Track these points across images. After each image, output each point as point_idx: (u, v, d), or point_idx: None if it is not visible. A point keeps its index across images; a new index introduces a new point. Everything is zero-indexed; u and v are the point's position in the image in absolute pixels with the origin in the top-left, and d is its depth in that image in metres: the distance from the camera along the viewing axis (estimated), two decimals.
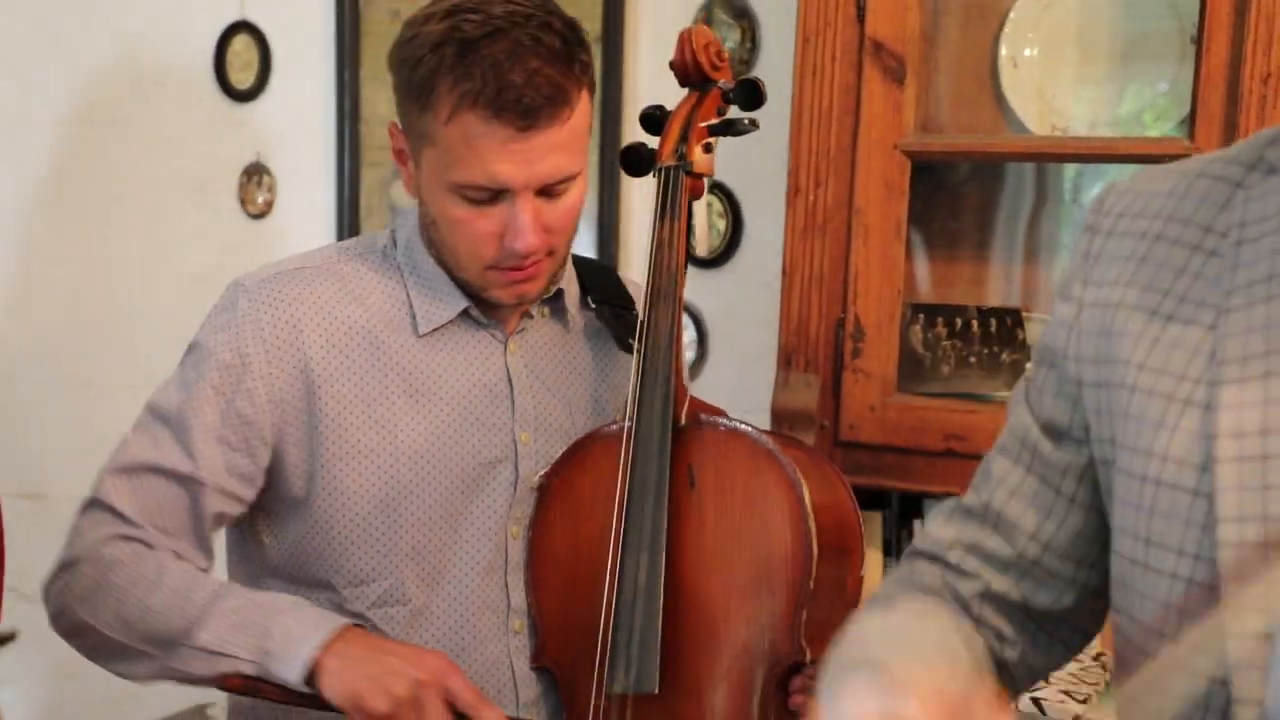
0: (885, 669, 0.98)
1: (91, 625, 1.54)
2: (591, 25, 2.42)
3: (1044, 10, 2.09)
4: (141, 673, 1.58)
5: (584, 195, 1.62)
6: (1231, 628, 0.94)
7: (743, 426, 1.57)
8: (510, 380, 1.67)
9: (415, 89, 1.53)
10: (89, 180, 2.77)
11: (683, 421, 1.57)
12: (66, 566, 1.57)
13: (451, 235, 1.58)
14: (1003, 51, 2.12)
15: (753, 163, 2.33)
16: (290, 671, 1.45)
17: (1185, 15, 1.97)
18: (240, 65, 2.67)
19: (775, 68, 2.27)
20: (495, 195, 1.53)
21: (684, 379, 1.62)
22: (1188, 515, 0.97)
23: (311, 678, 1.44)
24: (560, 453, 1.64)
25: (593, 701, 1.55)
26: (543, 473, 1.64)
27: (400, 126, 1.60)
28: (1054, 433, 1.12)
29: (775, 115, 2.12)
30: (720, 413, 1.61)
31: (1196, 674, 0.97)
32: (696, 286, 2.43)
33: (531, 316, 1.69)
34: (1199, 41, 1.85)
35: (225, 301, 1.64)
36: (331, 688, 1.44)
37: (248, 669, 1.47)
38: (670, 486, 1.53)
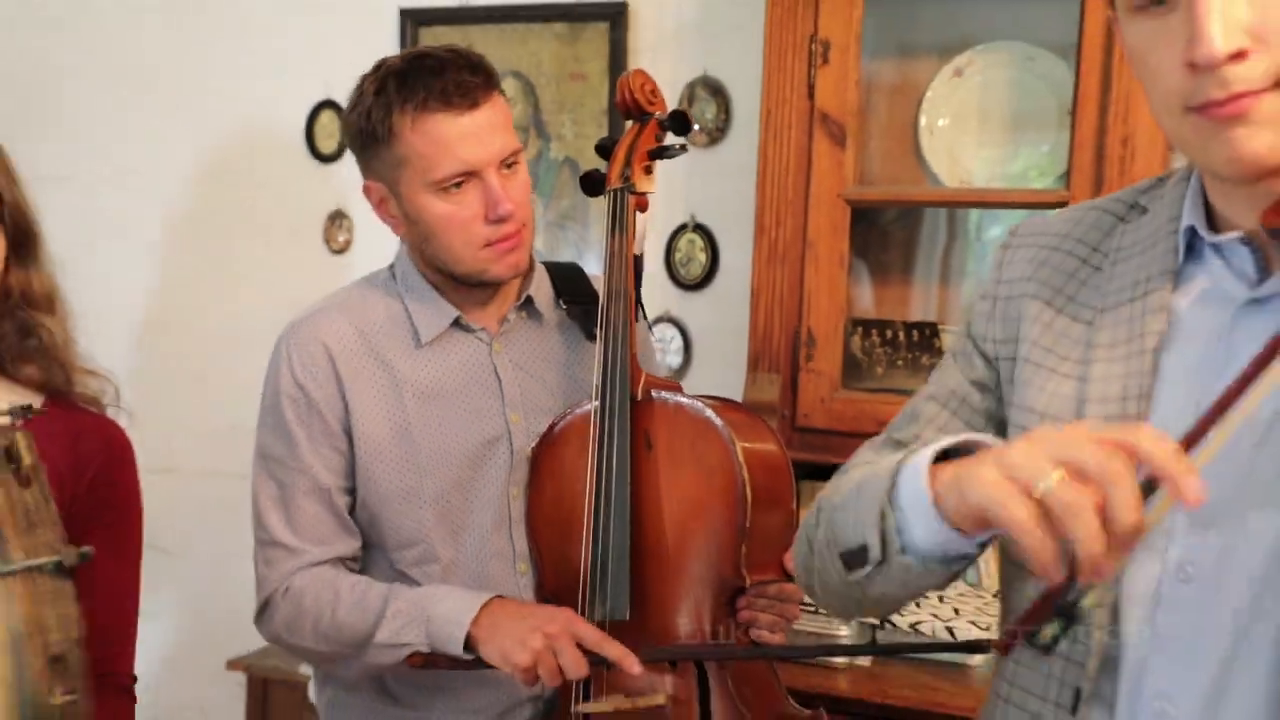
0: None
1: (301, 645, 1.58)
2: (598, 99, 2.48)
3: (953, 90, 2.12)
4: (351, 671, 1.60)
5: (529, 176, 1.63)
6: None
7: (685, 398, 1.56)
8: (498, 374, 1.65)
9: (375, 131, 1.53)
10: (209, 223, 2.81)
11: (639, 396, 1.55)
12: (265, 606, 1.60)
13: (446, 233, 1.56)
14: (922, 121, 2.14)
15: (727, 207, 2.33)
16: (454, 647, 1.48)
17: (1062, 94, 2.00)
18: (325, 135, 2.67)
19: (745, 133, 2.29)
20: (467, 180, 1.53)
21: (638, 363, 1.60)
22: None
23: (470, 647, 1.47)
24: (545, 427, 1.63)
25: None
26: (533, 445, 1.63)
27: (373, 180, 1.59)
28: (982, 388, 1.12)
29: (744, 170, 2.12)
30: (675, 386, 1.60)
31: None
32: (683, 306, 2.44)
33: (509, 320, 1.67)
34: (1073, 114, 1.88)
35: (275, 351, 1.64)
36: (487, 654, 1.46)
37: (423, 649, 1.50)
38: (631, 451, 1.53)
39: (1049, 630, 0.81)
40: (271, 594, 1.59)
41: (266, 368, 1.65)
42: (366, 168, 1.60)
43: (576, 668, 1.43)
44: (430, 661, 1.51)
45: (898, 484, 0.94)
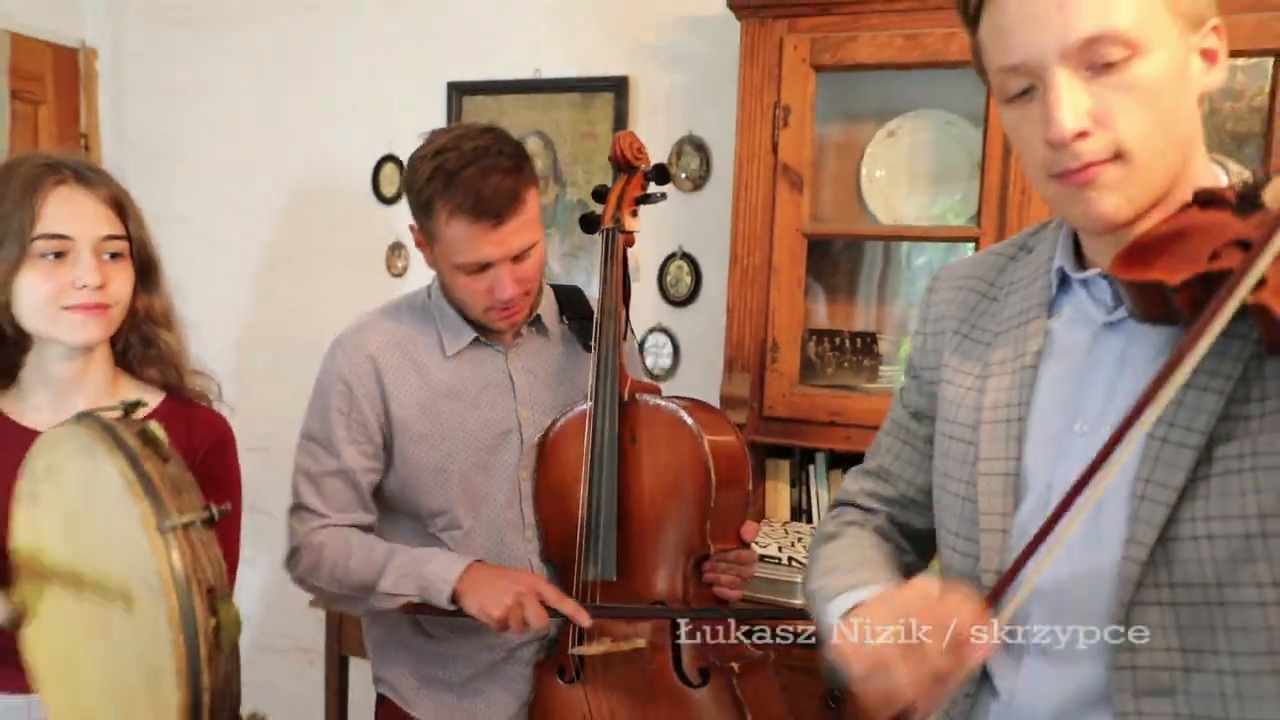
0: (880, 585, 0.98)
1: (318, 586, 1.57)
2: (605, 154, 2.37)
3: (887, 148, 2.13)
4: (357, 609, 1.62)
5: (544, 253, 1.58)
6: (982, 524, 0.96)
7: (663, 401, 1.55)
8: (511, 378, 1.62)
9: (420, 206, 1.49)
10: (292, 251, 2.82)
11: (626, 398, 1.54)
12: (293, 554, 1.59)
13: (459, 293, 1.55)
14: (863, 172, 2.15)
15: (708, 240, 2.33)
16: (440, 600, 1.49)
17: (973, 152, 2.00)
18: (388, 182, 2.67)
19: (722, 180, 2.28)
20: (484, 268, 1.49)
21: (626, 370, 1.57)
22: (964, 457, 1.00)
23: (454, 600, 1.48)
24: (548, 423, 1.61)
25: (575, 582, 1.54)
26: (539, 437, 1.61)
27: (417, 227, 1.55)
28: (919, 417, 1.12)
29: (722, 210, 2.12)
30: (655, 389, 1.58)
31: (966, 555, 0.99)
32: (673, 319, 2.43)
33: (521, 335, 1.64)
34: (982, 168, 1.89)
35: (329, 354, 1.62)
36: (468, 606, 1.47)
37: (416, 599, 1.51)
38: (619, 444, 1.53)
39: None
40: (299, 545, 1.58)
41: (323, 363, 1.63)
42: (414, 216, 1.56)
43: (538, 620, 1.44)
44: (419, 609, 1.52)
45: (826, 614, 0.99)
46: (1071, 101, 0.83)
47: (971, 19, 0.91)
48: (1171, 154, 0.87)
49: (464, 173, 1.45)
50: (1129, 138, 0.84)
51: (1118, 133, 0.84)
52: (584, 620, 1.46)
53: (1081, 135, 0.83)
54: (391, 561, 1.53)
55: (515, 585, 1.46)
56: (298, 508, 1.60)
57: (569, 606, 1.46)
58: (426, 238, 1.54)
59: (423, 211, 1.51)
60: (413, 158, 1.53)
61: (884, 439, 1.18)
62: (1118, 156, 0.84)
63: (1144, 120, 0.84)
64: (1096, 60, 0.83)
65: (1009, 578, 0.86)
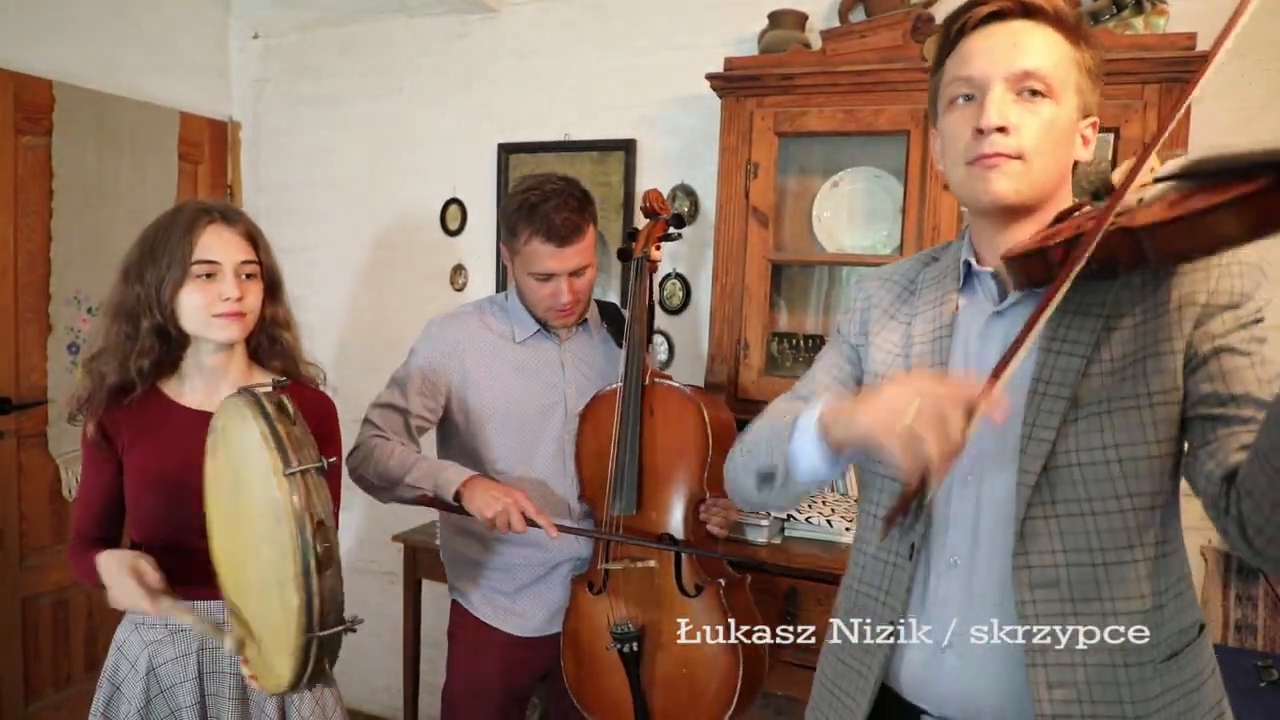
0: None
1: (364, 476, 1.57)
2: (617, 198, 2.42)
3: (832, 195, 2.11)
4: (385, 498, 1.59)
5: (595, 274, 1.62)
6: None
7: (675, 384, 1.58)
8: (562, 363, 1.65)
9: (510, 227, 1.54)
10: (380, 272, 2.80)
11: (647, 383, 1.57)
12: (354, 450, 1.60)
13: (529, 295, 1.59)
14: (813, 213, 2.13)
15: (696, 263, 2.34)
16: (446, 496, 1.49)
17: (896, 199, 2.00)
18: (452, 220, 2.64)
19: (706, 218, 2.29)
20: (549, 278, 1.54)
21: (647, 362, 1.59)
22: None
23: (458, 499, 1.48)
24: (588, 398, 1.63)
25: (605, 517, 1.56)
26: (580, 409, 1.62)
27: (506, 245, 1.59)
28: (848, 360, 1.10)
29: (706, 240, 2.18)
30: (668, 377, 1.61)
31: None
32: (669, 324, 2.41)
33: (573, 332, 1.67)
34: (903, 212, 1.89)
35: (424, 330, 1.66)
36: (467, 505, 1.47)
37: (430, 494, 1.50)
38: (640, 415, 1.55)
39: (910, 516, 0.81)
40: (359, 444, 1.60)
41: (419, 336, 1.65)
42: (503, 234, 1.59)
43: (519, 525, 1.43)
44: (432, 503, 1.51)
45: (795, 428, 0.92)
46: (1001, 106, 0.89)
47: (949, 47, 0.94)
48: (1051, 171, 0.91)
49: (543, 206, 1.50)
50: (1029, 145, 0.89)
51: (1022, 139, 0.89)
52: (553, 532, 1.44)
53: (1001, 130, 0.88)
54: (418, 465, 1.53)
55: (505, 496, 1.45)
56: (366, 421, 1.62)
57: (544, 520, 1.45)
58: (511, 251, 1.57)
59: (510, 231, 1.55)
60: (510, 193, 1.58)
61: (816, 372, 1.14)
62: (1018, 156, 0.89)
63: (1041, 139, 0.89)
64: (1024, 87, 0.89)
65: (1000, 368, 0.80)
